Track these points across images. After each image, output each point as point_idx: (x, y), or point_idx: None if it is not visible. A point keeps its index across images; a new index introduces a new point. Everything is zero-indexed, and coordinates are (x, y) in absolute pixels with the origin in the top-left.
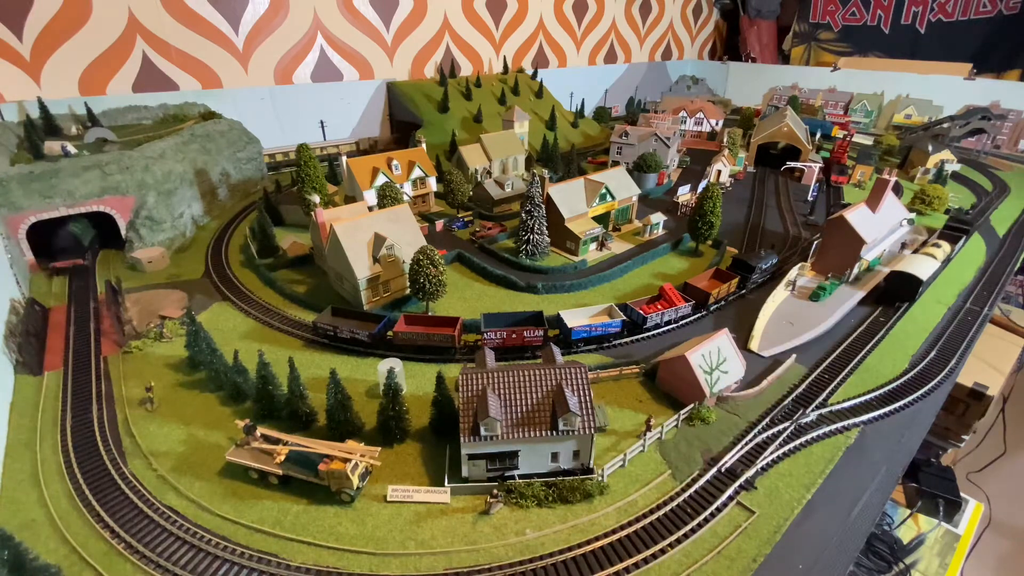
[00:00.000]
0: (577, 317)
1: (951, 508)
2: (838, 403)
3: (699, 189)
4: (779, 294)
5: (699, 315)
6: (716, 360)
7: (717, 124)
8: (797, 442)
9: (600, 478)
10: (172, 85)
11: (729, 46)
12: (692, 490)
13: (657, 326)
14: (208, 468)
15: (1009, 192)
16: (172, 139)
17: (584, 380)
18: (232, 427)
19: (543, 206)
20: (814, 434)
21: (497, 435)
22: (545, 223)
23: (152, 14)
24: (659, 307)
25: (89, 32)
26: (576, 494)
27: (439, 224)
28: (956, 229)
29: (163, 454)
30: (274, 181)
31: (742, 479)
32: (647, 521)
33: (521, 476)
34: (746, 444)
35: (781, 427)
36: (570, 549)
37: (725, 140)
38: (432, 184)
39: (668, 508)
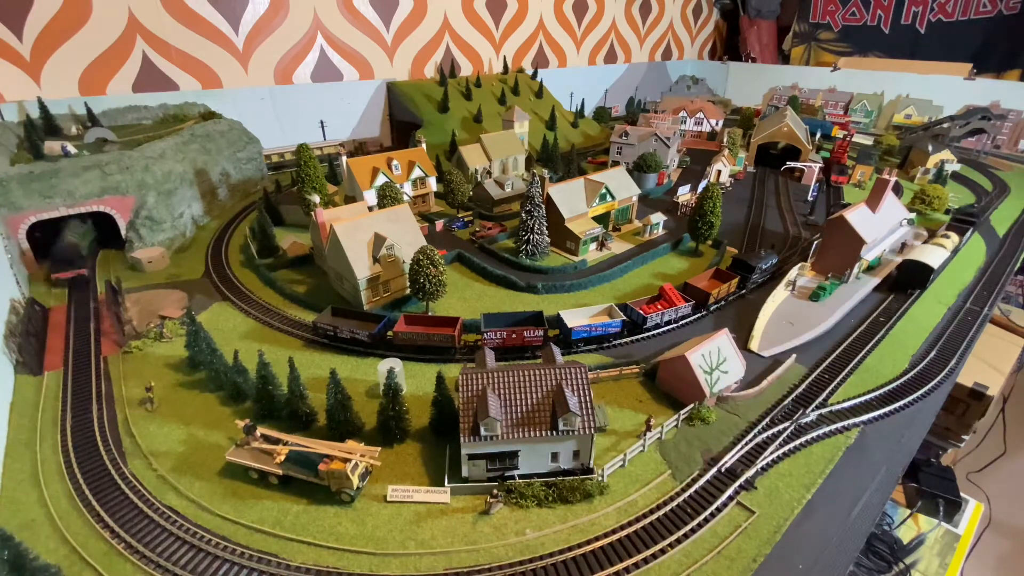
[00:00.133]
0: (577, 317)
1: (951, 508)
2: (838, 403)
3: (699, 189)
4: (779, 294)
5: (699, 315)
6: (716, 360)
7: (717, 124)
8: (797, 442)
9: (600, 478)
10: (172, 85)
11: (729, 46)
12: (692, 490)
13: (657, 326)
14: (208, 468)
15: (1009, 192)
16: (172, 139)
17: (584, 380)
18: (232, 427)
19: (543, 206)
20: (814, 434)
21: (497, 435)
22: (545, 223)
23: (152, 14)
24: (659, 307)
25: (89, 32)
26: (576, 494)
27: (439, 224)
28: (963, 221)
29: (163, 454)
30: (274, 181)
31: (742, 479)
32: (647, 521)
33: (521, 476)
34: (746, 444)
35: (781, 427)
36: (570, 549)
37: (725, 140)
38: (432, 184)
39: (668, 508)
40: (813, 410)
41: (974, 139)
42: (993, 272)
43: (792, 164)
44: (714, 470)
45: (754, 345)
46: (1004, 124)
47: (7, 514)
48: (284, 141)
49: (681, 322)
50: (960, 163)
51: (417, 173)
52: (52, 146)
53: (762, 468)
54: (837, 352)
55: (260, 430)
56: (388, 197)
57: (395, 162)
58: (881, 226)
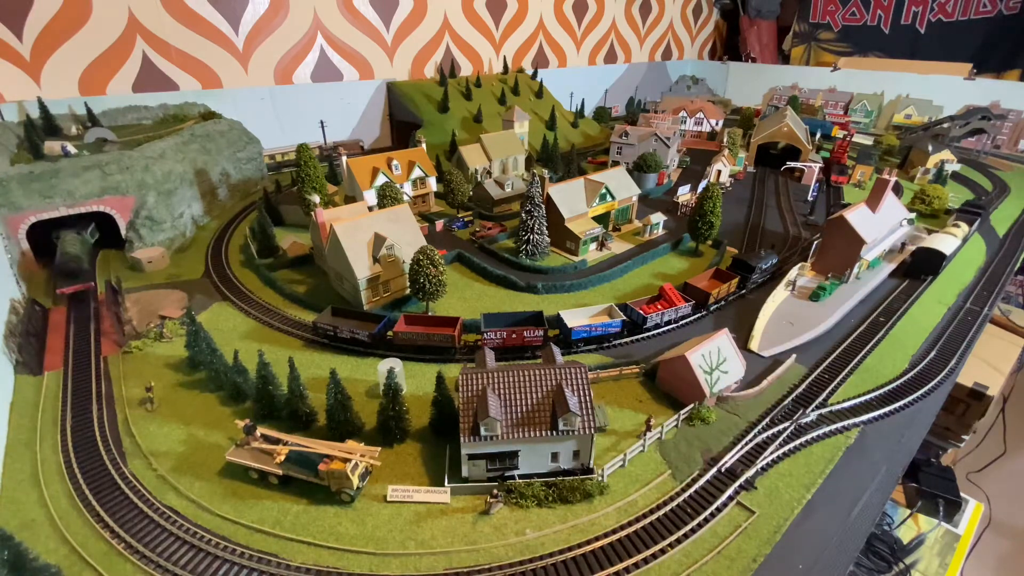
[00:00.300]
0: (577, 317)
1: (951, 508)
2: (838, 403)
3: (699, 189)
4: (779, 294)
5: (699, 315)
6: (716, 360)
7: (717, 124)
8: (797, 442)
9: (600, 478)
10: (172, 85)
11: (729, 46)
12: (692, 490)
13: (657, 326)
14: (208, 468)
15: (1009, 192)
16: (172, 139)
17: (584, 380)
18: (232, 427)
19: (543, 206)
20: (814, 434)
21: (497, 435)
22: (545, 223)
23: (152, 14)
24: (659, 307)
25: (89, 32)
26: (576, 494)
27: (439, 224)
28: (971, 212)
29: (163, 454)
30: (274, 181)
31: (742, 479)
32: (647, 521)
33: (521, 476)
34: (746, 444)
35: (781, 427)
36: (570, 549)
37: (725, 140)
38: (432, 184)
39: (668, 508)
40: (813, 410)
41: (974, 139)
42: (993, 272)
43: (792, 164)
44: (714, 470)
45: (754, 345)
46: (1004, 124)
47: (7, 514)
48: (284, 141)
49: (681, 322)
50: (960, 163)
51: (417, 173)
52: (52, 146)
53: (762, 468)
54: (837, 352)
55: (260, 430)
56: (388, 197)
57: (395, 162)
58: (881, 226)
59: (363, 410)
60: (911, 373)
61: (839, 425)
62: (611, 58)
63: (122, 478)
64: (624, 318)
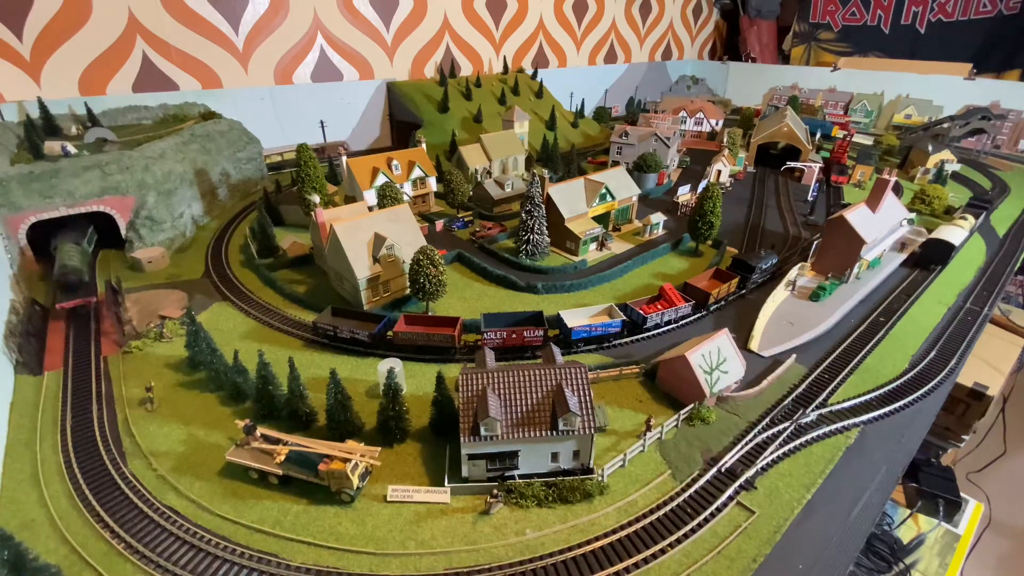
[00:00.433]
0: (577, 317)
1: (951, 508)
2: (838, 403)
3: (699, 189)
4: (779, 294)
5: (699, 315)
6: (716, 360)
7: (717, 124)
8: (797, 442)
9: (600, 478)
10: (172, 85)
11: (729, 46)
12: (692, 490)
13: (657, 326)
14: (208, 468)
15: (1009, 192)
16: (172, 139)
17: (584, 380)
18: (232, 427)
19: (543, 206)
20: (814, 434)
21: (497, 435)
22: (545, 223)
23: (152, 14)
24: (659, 307)
25: (89, 32)
26: (576, 494)
27: (439, 224)
28: (978, 206)
29: (163, 454)
30: (274, 181)
31: (742, 479)
32: (647, 521)
33: (521, 476)
34: (746, 444)
35: (781, 427)
36: (570, 549)
37: (725, 140)
38: (432, 184)
39: (668, 508)
40: (813, 410)
41: (974, 139)
42: (993, 272)
43: (792, 164)
44: (714, 470)
45: (754, 345)
46: (1004, 124)
47: (7, 514)
48: (284, 141)
49: (681, 322)
50: (960, 163)
51: (417, 173)
52: (52, 146)
53: (762, 468)
54: (837, 352)
55: (260, 430)
56: (388, 197)
57: (395, 162)
58: (881, 226)
59: (363, 410)
60: (911, 373)
61: (839, 425)
62: (611, 58)
63: (122, 478)
64: (624, 318)
